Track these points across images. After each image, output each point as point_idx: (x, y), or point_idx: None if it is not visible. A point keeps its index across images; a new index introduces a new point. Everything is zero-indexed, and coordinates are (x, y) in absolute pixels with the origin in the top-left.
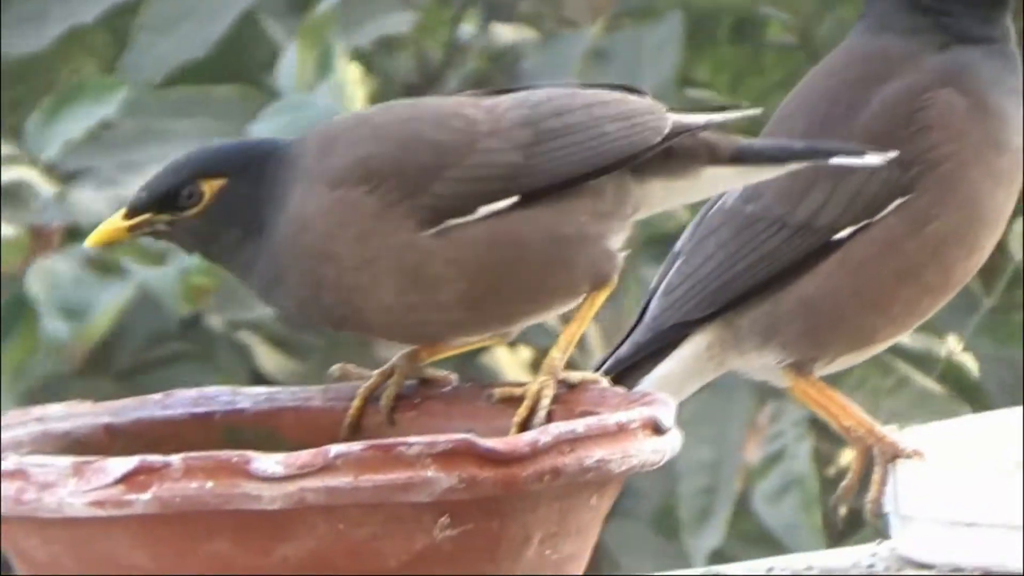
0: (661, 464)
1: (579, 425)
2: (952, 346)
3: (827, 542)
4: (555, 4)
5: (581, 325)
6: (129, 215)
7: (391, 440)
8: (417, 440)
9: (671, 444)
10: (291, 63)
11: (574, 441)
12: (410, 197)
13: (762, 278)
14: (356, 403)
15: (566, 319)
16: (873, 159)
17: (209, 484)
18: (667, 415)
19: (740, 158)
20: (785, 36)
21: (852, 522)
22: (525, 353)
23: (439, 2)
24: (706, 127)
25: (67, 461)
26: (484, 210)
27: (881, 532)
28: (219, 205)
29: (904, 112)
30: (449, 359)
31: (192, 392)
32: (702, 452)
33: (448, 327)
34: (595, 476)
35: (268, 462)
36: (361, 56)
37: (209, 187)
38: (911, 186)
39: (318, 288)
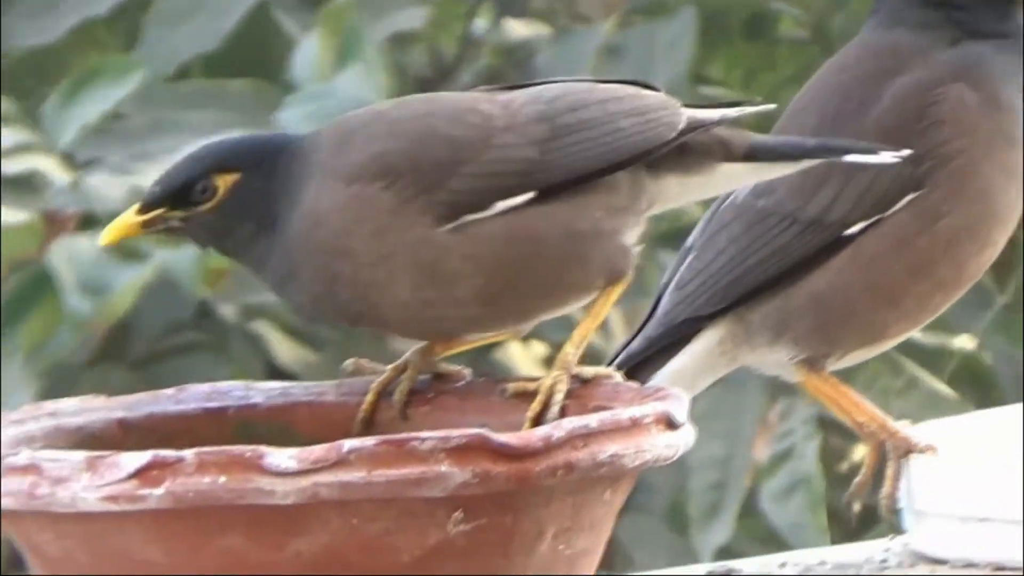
0: (674, 459)
1: (592, 420)
2: (966, 343)
3: (835, 541)
4: (568, 0)
5: (595, 321)
6: (142, 211)
7: (404, 435)
8: (430, 435)
9: (684, 439)
10: (310, 52)
11: (587, 436)
12: (426, 193)
13: (773, 273)
14: (369, 398)
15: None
16: (887, 157)
17: (222, 479)
18: (680, 410)
19: (754, 155)
20: (797, 31)
21: (867, 518)
22: (539, 348)
23: None
24: (720, 122)
25: (80, 456)
26: (500, 206)
27: (896, 528)
28: (233, 200)
29: (916, 107)
30: (463, 354)
31: (205, 387)
32: (713, 448)
33: (464, 323)
34: (608, 471)
35: (281, 457)
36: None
37: (223, 182)
38: (923, 181)
39: (333, 284)
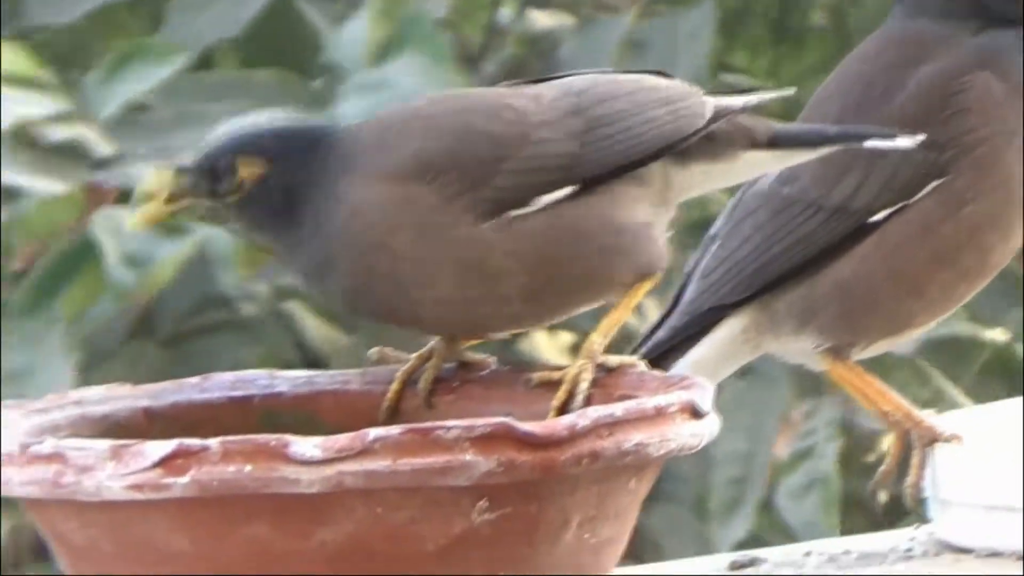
0: (699, 448)
1: (617, 409)
2: (999, 336)
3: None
4: None
5: (624, 312)
6: (171, 197)
7: (429, 424)
8: (455, 424)
9: (709, 428)
10: (355, 37)
11: (612, 425)
12: (470, 190)
13: (798, 261)
14: (394, 386)
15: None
16: (904, 141)
17: (247, 468)
18: (705, 399)
19: (776, 142)
20: (821, 20)
21: (894, 508)
22: (565, 337)
23: None
24: (745, 108)
25: (105, 444)
26: (542, 200)
27: (921, 518)
28: (260, 188)
29: (940, 95)
30: (488, 343)
31: (230, 376)
32: (736, 443)
33: (505, 320)
34: (633, 460)
35: (306, 446)
36: None
37: (249, 170)
38: (947, 168)
39: (370, 279)
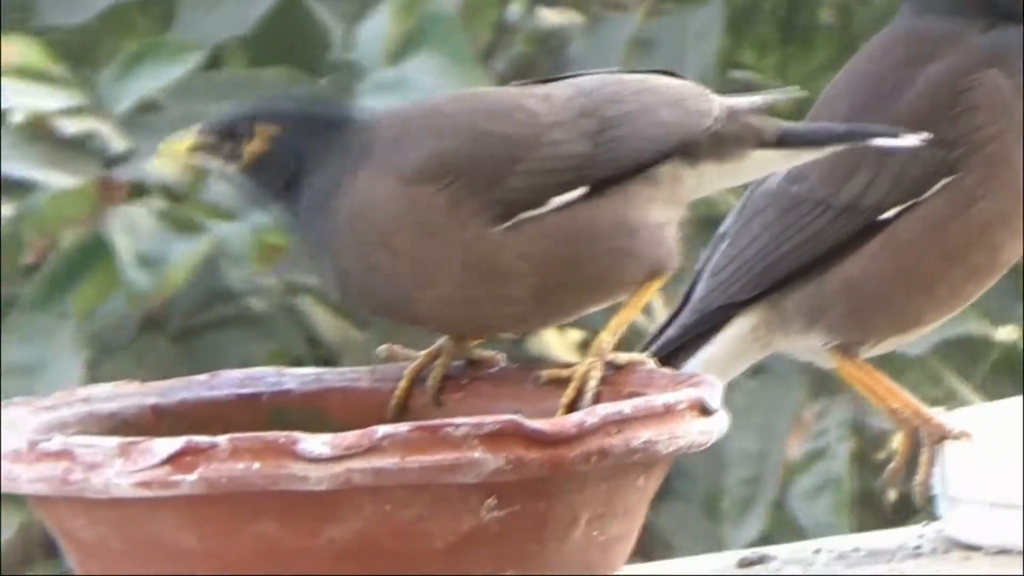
0: (708, 446)
1: (626, 406)
2: (1009, 334)
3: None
4: None
5: (634, 310)
6: (193, 146)
7: (438, 421)
8: (464, 421)
9: (718, 425)
10: (374, 34)
11: (621, 422)
12: (483, 191)
13: (807, 259)
14: (403, 384)
15: None
16: (910, 140)
17: (256, 465)
18: (714, 396)
19: (784, 141)
20: (829, 18)
21: (904, 506)
22: (574, 335)
23: None
24: (753, 108)
25: (113, 442)
26: (555, 202)
27: (931, 515)
28: (270, 156)
29: (949, 93)
30: (497, 341)
31: (238, 373)
32: (749, 442)
33: (512, 320)
34: (642, 457)
35: (315, 443)
36: None
37: (262, 137)
38: (956, 166)
39: (370, 272)
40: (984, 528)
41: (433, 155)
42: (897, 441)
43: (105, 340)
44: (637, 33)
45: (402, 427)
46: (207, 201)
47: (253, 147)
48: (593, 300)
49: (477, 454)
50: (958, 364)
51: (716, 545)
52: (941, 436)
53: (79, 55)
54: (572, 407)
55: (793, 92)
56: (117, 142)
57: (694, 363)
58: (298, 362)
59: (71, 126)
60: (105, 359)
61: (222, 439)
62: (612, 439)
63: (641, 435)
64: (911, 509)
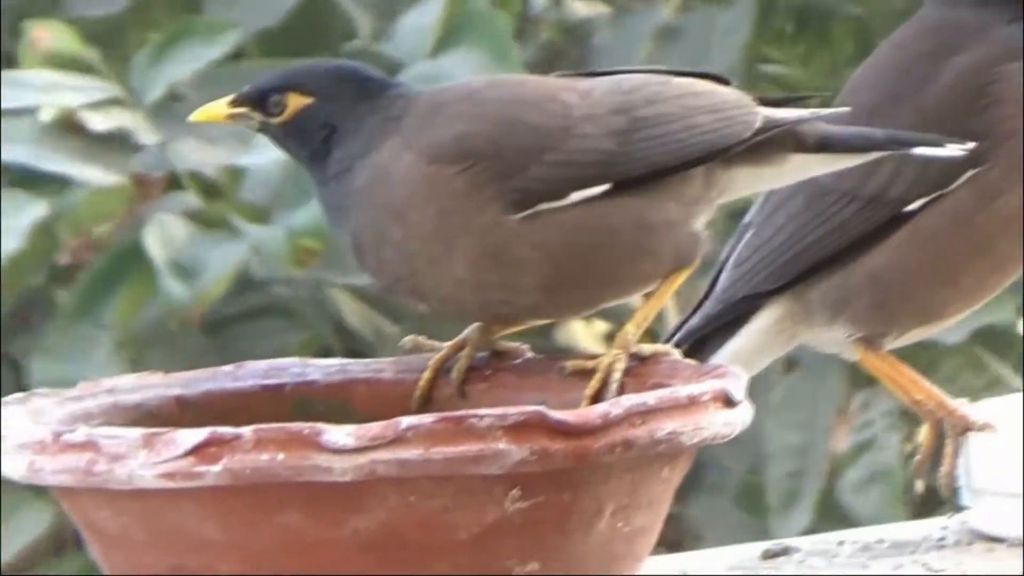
0: (732, 436)
1: (651, 397)
2: None
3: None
4: None
5: (659, 302)
6: (232, 104)
7: (462, 412)
8: (488, 412)
9: (742, 416)
10: (414, 27)
11: (646, 413)
12: (504, 178)
13: (832, 251)
14: (427, 375)
15: None
16: (953, 150)
17: (280, 456)
18: (738, 387)
19: (824, 146)
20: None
21: (932, 498)
22: (600, 326)
23: None
24: (796, 123)
25: (137, 433)
26: (576, 196)
27: (957, 507)
28: (302, 120)
29: (974, 85)
30: (523, 332)
31: (262, 364)
32: (790, 436)
33: (524, 310)
34: (666, 448)
35: (339, 434)
36: None
37: (295, 102)
38: (982, 158)
39: (381, 243)
40: (1007, 520)
41: (457, 137)
42: (922, 433)
43: (137, 330)
44: (664, 25)
45: (426, 418)
46: (242, 200)
47: (287, 110)
48: (610, 295)
49: (502, 445)
50: (998, 351)
51: (749, 536)
52: (965, 428)
53: (108, 44)
54: (597, 398)
55: (828, 95)
56: (146, 135)
57: (719, 354)
58: (328, 353)
59: (102, 122)
60: (136, 349)
61: (246, 430)
62: (636, 430)
63: (666, 426)
64: (938, 500)
